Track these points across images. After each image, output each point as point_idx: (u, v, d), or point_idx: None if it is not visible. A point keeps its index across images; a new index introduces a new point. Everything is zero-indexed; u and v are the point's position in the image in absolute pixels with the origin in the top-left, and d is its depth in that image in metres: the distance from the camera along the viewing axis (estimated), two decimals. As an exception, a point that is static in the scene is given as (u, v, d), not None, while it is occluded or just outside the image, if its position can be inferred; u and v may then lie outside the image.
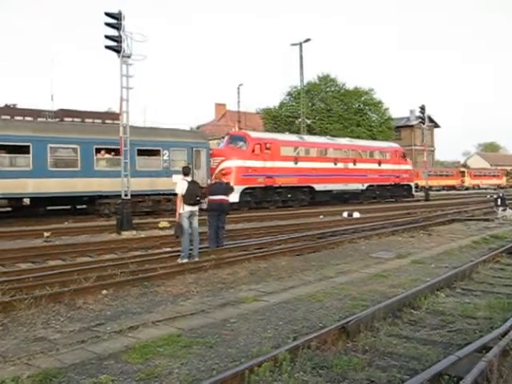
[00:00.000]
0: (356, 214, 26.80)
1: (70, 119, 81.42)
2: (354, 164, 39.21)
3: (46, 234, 17.99)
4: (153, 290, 9.92)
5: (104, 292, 9.58)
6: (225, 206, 14.93)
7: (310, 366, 5.70)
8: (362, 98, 66.92)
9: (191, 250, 13.17)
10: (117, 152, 25.48)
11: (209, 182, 27.98)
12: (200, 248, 13.58)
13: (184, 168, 13.60)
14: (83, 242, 17.23)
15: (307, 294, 9.42)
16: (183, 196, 12.83)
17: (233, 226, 20.50)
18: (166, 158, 28.85)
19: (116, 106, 64.95)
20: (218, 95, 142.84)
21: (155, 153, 28.64)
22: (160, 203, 28.09)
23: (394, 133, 70.72)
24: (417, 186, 52.67)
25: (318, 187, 35.79)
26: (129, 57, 21.47)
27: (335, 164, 37.59)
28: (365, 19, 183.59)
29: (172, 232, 18.57)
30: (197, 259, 12.93)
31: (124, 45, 21.22)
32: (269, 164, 32.64)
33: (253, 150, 32.07)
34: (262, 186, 32.26)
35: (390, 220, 23.89)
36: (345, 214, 27.25)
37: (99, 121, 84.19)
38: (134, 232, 19.59)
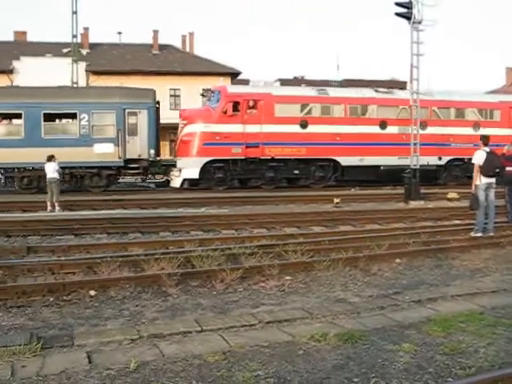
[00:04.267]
0: None
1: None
2: (423, 128, 25.10)
3: (335, 200, 18.72)
4: (447, 263, 9.65)
5: (397, 261, 9.62)
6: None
7: None
8: None
9: (486, 223, 12.42)
10: (15, 118, 23.36)
11: (151, 152, 24.11)
12: (495, 222, 12.74)
13: (482, 137, 12.79)
14: (371, 209, 17.55)
15: None
16: (481, 167, 12.12)
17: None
18: (84, 122, 23.76)
19: (400, 74, 64.36)
20: (510, 59, 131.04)
21: (70, 117, 24.29)
22: (84, 179, 23.94)
23: None
24: None
25: (346, 161, 25.54)
26: (419, 23, 20.95)
27: (382, 128, 26.23)
28: None
29: (461, 204, 17.90)
30: (491, 234, 12.18)
31: (415, 11, 20.75)
32: (252, 128, 24.38)
33: (225, 111, 24.32)
34: (241, 157, 24.54)
35: None
36: None
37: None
38: (422, 202, 19.34)
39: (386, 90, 27.58)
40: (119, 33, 47.01)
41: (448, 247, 10.73)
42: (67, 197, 19.38)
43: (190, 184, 24.44)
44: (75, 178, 23.78)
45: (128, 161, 24.36)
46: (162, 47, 45.49)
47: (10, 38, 45.10)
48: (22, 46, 42.06)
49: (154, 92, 25.68)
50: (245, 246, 10.21)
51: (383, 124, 26.41)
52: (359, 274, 8.74)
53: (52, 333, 5.97)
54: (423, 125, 26.01)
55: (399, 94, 27.26)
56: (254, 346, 5.36)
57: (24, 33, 45.45)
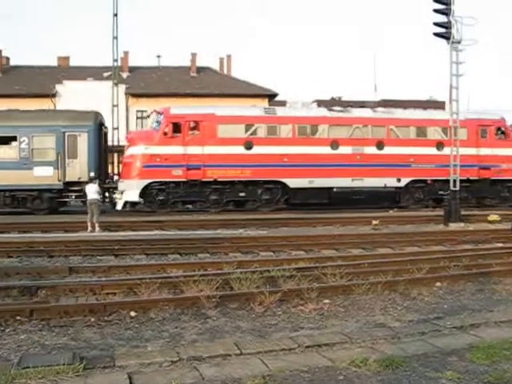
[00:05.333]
0: None
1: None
2: (380, 148, 25.43)
3: (374, 222, 18.58)
4: (489, 288, 9.47)
5: (438, 284, 9.48)
6: None
7: None
8: None
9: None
10: None
11: (91, 175, 22.69)
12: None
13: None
14: (410, 231, 17.37)
15: None
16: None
17: None
18: (24, 146, 23.69)
19: (438, 94, 63.85)
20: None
21: (9, 140, 24.06)
22: (26, 202, 23.79)
23: None
24: None
25: (294, 183, 24.51)
26: (459, 43, 20.78)
27: (334, 148, 25.02)
28: None
29: (503, 226, 17.57)
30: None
31: (453, 30, 20.59)
32: (193, 150, 23.81)
33: (165, 132, 23.76)
34: (182, 180, 23.88)
35: None
36: None
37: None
38: (462, 224, 19.01)
39: (340, 108, 26.85)
40: (158, 56, 47.86)
41: (490, 271, 10.51)
42: (106, 218, 19.71)
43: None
44: (16, 201, 23.83)
45: (68, 184, 24.17)
46: (200, 70, 46.07)
47: (54, 63, 46.34)
48: (64, 71, 43.13)
49: (97, 114, 25.69)
50: (283, 268, 10.17)
51: (335, 144, 25.21)
52: (399, 297, 8.65)
53: (94, 353, 6.06)
54: (380, 144, 25.54)
55: (353, 113, 26.25)
56: (293, 371, 5.34)
57: (67, 58, 46.55)
